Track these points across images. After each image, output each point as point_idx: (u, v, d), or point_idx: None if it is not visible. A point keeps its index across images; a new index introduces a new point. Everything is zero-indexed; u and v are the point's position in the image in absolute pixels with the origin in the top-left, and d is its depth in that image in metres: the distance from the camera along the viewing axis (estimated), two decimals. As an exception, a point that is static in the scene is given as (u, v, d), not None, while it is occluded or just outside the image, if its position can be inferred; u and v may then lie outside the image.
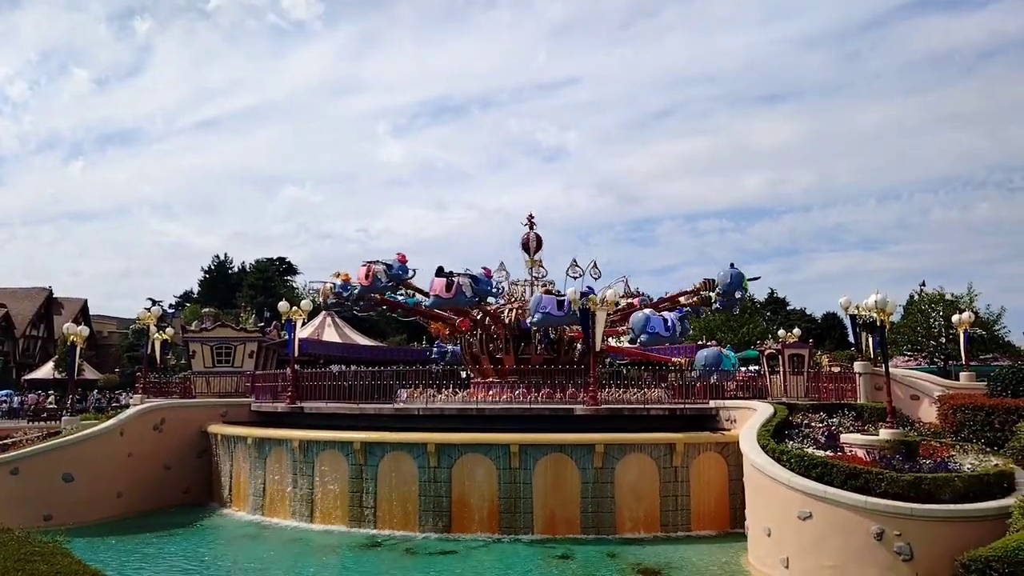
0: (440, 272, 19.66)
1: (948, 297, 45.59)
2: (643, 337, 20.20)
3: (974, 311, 37.49)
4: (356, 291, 20.69)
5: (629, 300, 22.66)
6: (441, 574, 13.27)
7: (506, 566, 13.61)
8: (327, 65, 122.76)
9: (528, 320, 20.47)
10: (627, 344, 30.90)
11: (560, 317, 19.37)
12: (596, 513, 15.62)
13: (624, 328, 21.83)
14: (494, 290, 20.89)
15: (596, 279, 21.43)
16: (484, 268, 20.38)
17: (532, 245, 23.23)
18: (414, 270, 21.32)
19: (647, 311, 20.53)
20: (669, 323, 20.29)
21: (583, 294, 18.91)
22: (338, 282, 21.02)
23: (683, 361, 22.66)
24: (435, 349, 29.72)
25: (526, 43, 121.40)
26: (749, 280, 21.29)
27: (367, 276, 20.14)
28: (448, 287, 19.52)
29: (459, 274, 19.62)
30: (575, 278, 21.52)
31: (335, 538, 15.92)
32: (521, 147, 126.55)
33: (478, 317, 22.25)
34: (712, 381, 19.33)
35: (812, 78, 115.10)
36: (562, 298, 19.34)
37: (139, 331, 22.88)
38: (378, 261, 20.46)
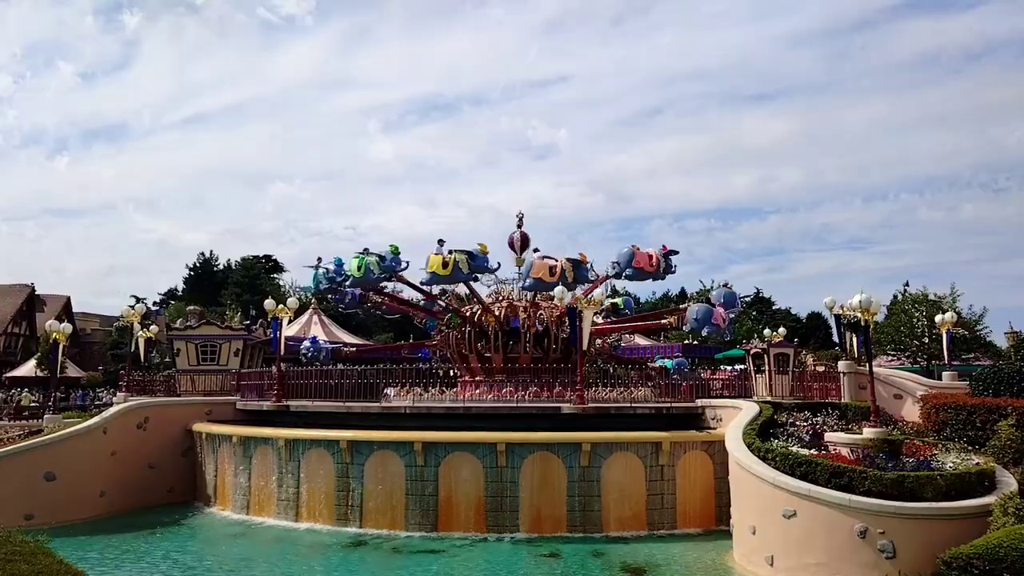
0: (440, 243, 19.96)
1: (931, 297, 45.96)
2: (706, 330, 20.55)
3: (956, 311, 37.95)
4: (349, 280, 20.68)
5: (612, 301, 23.02)
6: (427, 573, 13.26)
7: (493, 564, 13.62)
8: (317, 61, 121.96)
9: (521, 284, 21.45)
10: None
11: (551, 284, 20.01)
12: (583, 512, 15.67)
13: (669, 320, 22.43)
14: (491, 267, 20.92)
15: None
16: (480, 244, 20.44)
17: (519, 243, 23.17)
18: (407, 262, 21.08)
19: (704, 304, 21.09)
20: (723, 317, 20.84)
21: (574, 263, 19.75)
22: (332, 265, 20.94)
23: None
24: (308, 345, 26.25)
25: (517, 40, 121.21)
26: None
27: (359, 267, 20.09)
28: (444, 264, 19.54)
29: (455, 250, 19.71)
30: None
31: (321, 537, 15.88)
32: (511, 144, 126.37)
33: (467, 315, 22.22)
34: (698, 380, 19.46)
35: (801, 77, 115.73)
36: (554, 264, 20.07)
37: (123, 329, 22.79)
38: (370, 252, 20.34)
